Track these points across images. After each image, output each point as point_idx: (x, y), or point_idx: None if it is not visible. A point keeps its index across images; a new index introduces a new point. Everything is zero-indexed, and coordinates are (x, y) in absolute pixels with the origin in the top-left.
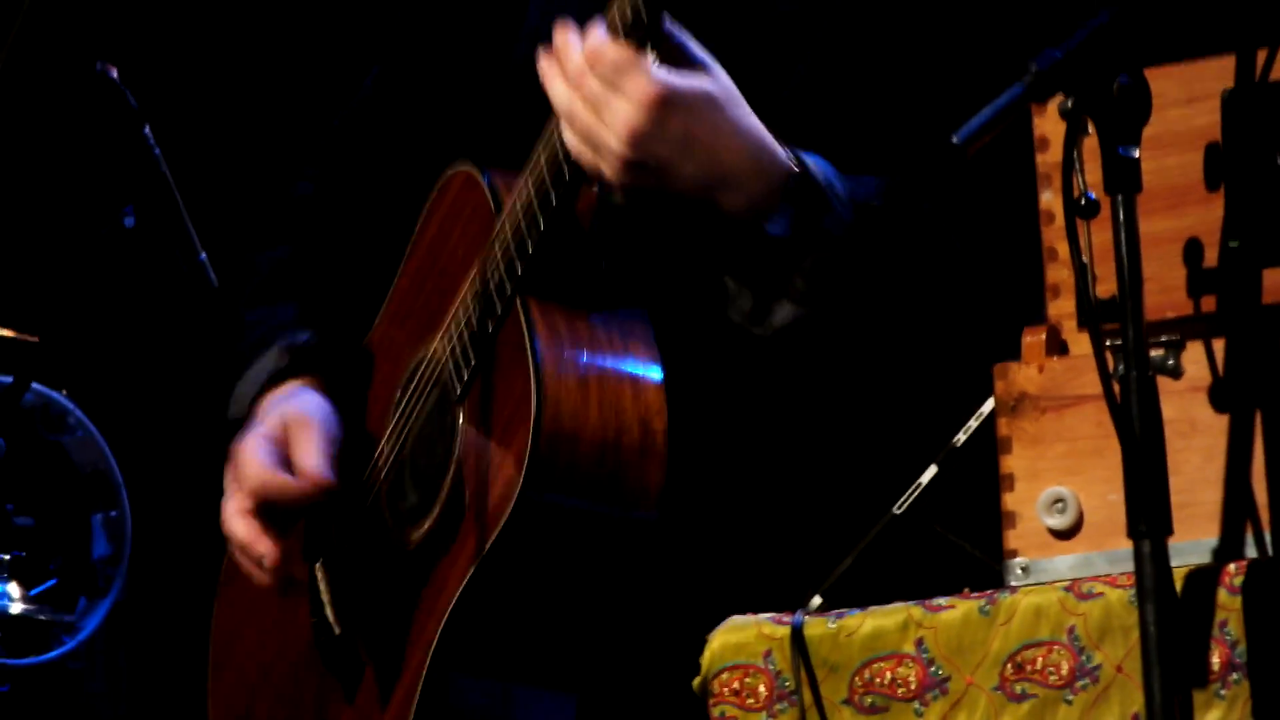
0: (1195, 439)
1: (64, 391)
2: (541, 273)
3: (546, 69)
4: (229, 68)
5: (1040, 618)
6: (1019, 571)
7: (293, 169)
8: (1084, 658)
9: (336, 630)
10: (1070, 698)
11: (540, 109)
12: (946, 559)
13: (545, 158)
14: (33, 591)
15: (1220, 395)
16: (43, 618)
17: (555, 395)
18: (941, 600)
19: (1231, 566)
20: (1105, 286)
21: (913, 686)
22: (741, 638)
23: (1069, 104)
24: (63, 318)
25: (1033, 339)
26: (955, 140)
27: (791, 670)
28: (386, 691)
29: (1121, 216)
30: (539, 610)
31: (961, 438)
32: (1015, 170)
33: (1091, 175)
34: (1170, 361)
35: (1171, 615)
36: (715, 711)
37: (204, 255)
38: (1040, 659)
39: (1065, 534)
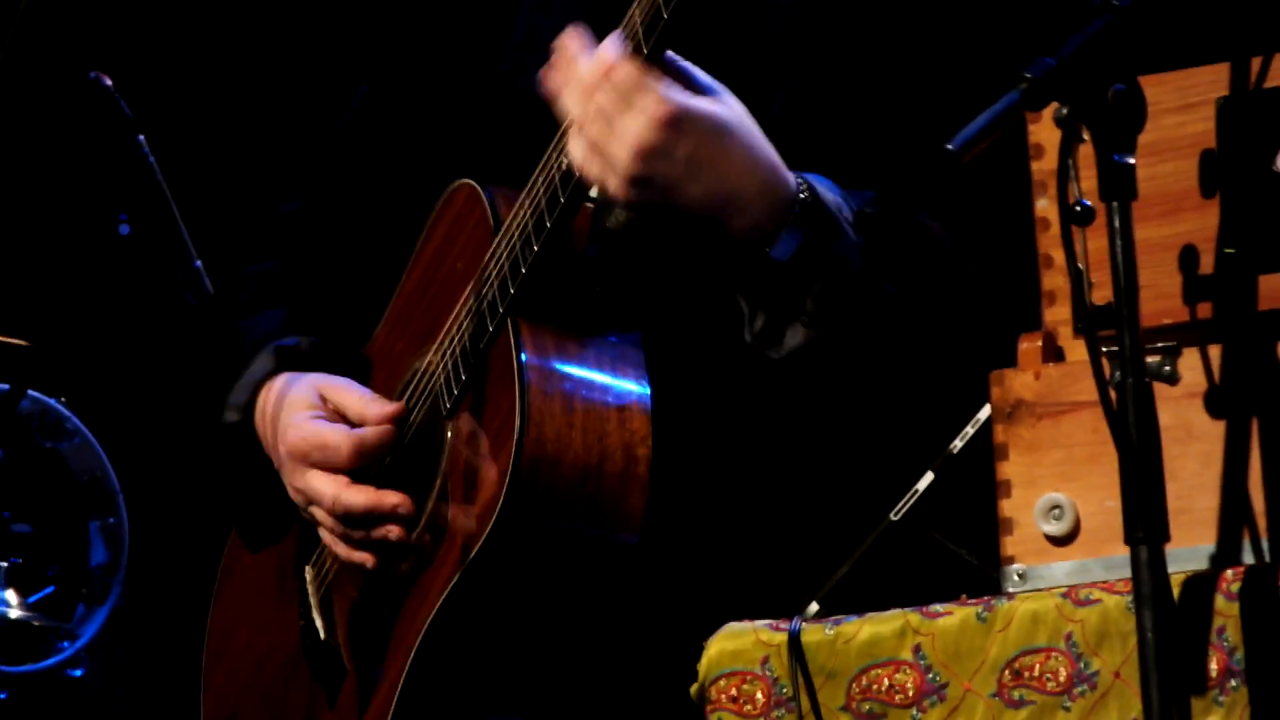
0: (1192, 445)
1: (61, 399)
2: (535, 294)
3: (560, 77)
4: (222, 75)
5: (1038, 624)
6: (1016, 578)
7: (279, 187)
8: (1082, 664)
9: (321, 635)
10: (1068, 704)
11: (527, 123)
12: (944, 565)
13: (543, 180)
14: (30, 598)
15: (1216, 401)
16: (40, 624)
17: (539, 417)
18: (939, 607)
19: (1229, 573)
20: (1101, 293)
21: (910, 693)
22: (739, 644)
23: (1064, 112)
24: (59, 325)
25: (1029, 346)
26: (950, 148)
27: (789, 677)
28: (365, 699)
29: (1117, 223)
30: (518, 627)
31: (958, 444)
32: (1011, 177)
33: (1087, 182)
34: (1166, 368)
35: (1169, 622)
36: (713, 718)
37: (199, 262)
38: (1038, 665)
39: (1062, 540)
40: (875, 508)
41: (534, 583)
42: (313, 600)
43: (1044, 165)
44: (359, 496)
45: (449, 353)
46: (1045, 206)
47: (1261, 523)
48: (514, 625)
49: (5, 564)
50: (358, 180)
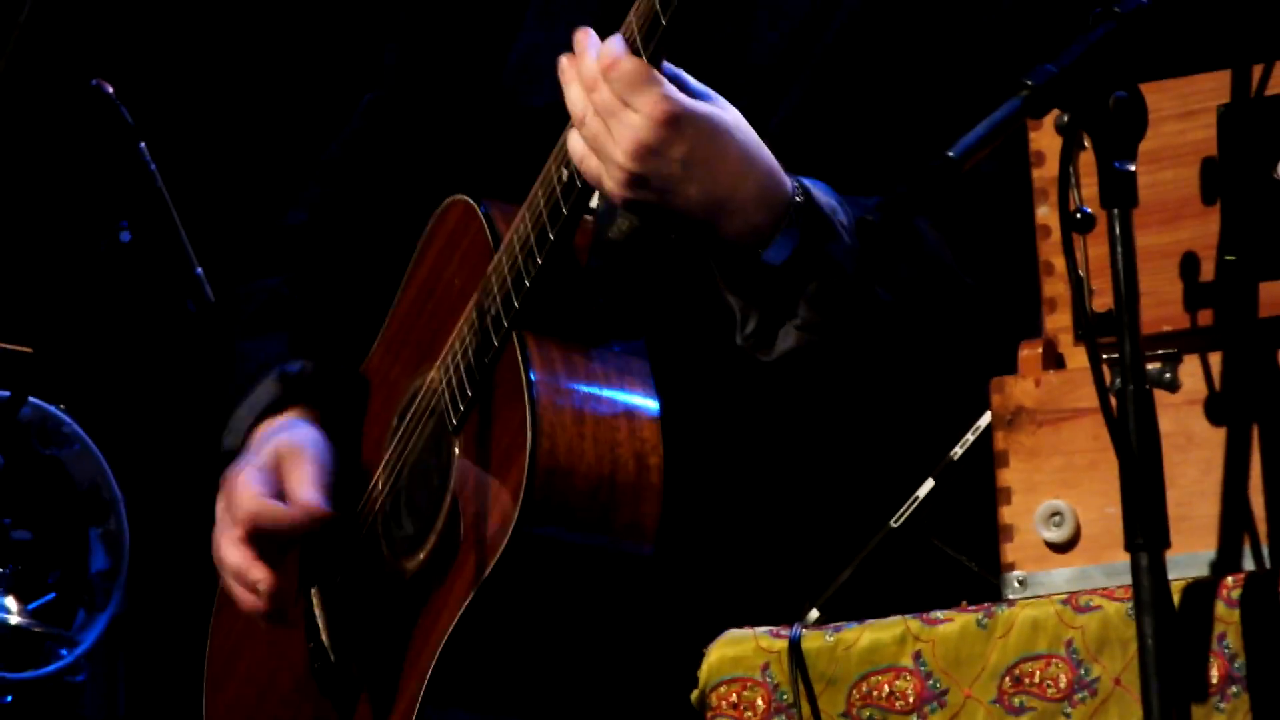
0: (1192, 452)
1: (61, 406)
2: (539, 306)
3: (565, 71)
4: (224, 82)
5: (1038, 630)
6: (1016, 584)
7: (284, 199)
8: (1082, 670)
9: (332, 657)
10: (1068, 710)
11: (527, 139)
12: (944, 572)
13: (543, 193)
14: (31, 605)
15: (1217, 408)
16: (41, 631)
17: (551, 430)
18: (939, 613)
19: (1229, 579)
20: (1102, 300)
21: (910, 699)
22: (739, 651)
23: (1065, 119)
24: (60, 332)
25: (1029, 353)
26: (952, 155)
27: (789, 683)
28: (381, 719)
29: (1118, 231)
30: (535, 642)
31: (958, 451)
32: (1012, 185)
33: (1087, 190)
34: (1167, 375)
35: (1169, 628)
36: None
37: (200, 270)
38: (1038, 672)
39: (1062, 547)
40: (876, 514)
41: (549, 596)
42: (321, 622)
43: (1045, 172)
44: (233, 557)
45: (452, 369)
46: (1046, 214)
47: (1262, 529)
48: (529, 638)
49: (5, 571)
50: (360, 195)
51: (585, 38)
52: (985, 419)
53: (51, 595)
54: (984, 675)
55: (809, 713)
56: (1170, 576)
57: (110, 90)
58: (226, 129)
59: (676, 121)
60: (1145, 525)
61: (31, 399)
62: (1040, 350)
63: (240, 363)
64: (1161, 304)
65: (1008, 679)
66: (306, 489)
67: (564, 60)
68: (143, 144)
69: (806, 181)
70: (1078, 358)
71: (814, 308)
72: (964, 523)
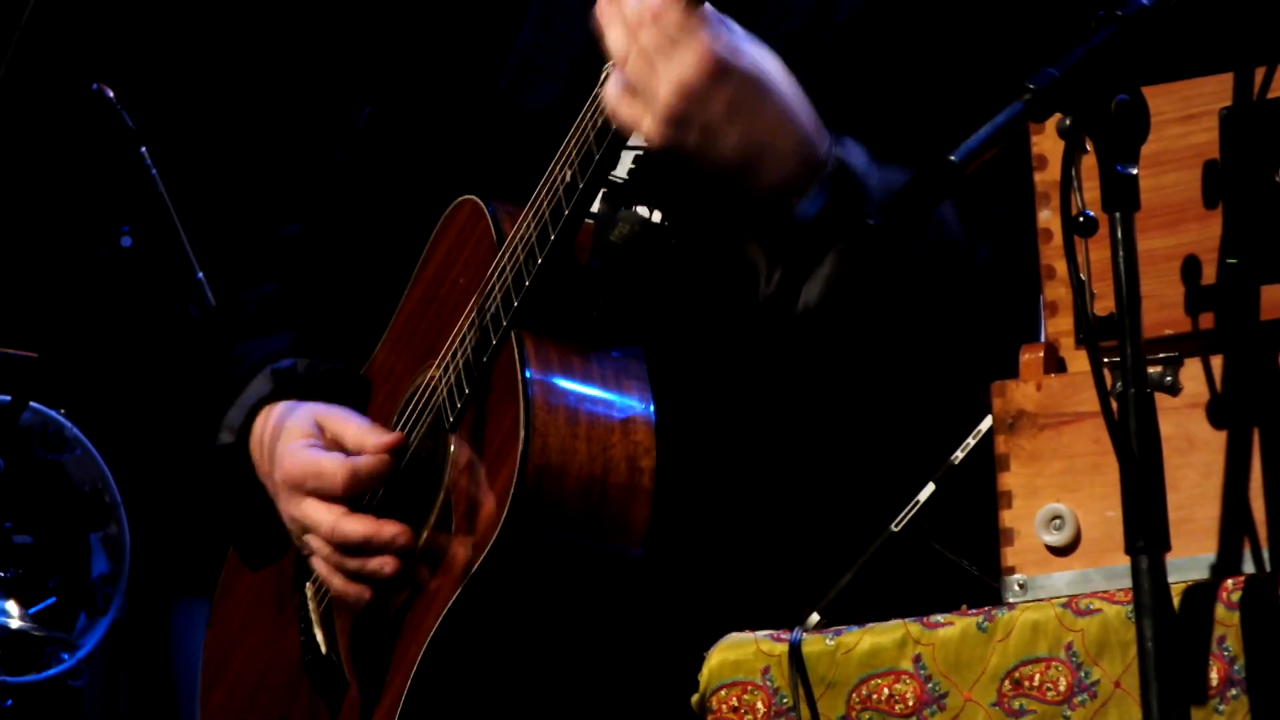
0: (1193, 455)
1: (62, 410)
2: (538, 306)
3: (606, 12)
4: (225, 87)
5: (1038, 634)
6: (1016, 588)
7: (282, 210)
8: (1082, 673)
9: (323, 650)
10: (1068, 713)
11: (528, 143)
12: (944, 576)
13: (546, 193)
14: (32, 609)
15: (1218, 412)
16: (41, 635)
17: (544, 430)
18: (939, 617)
19: (1229, 582)
20: (1103, 304)
21: (910, 703)
22: (739, 655)
23: (1067, 122)
24: (60, 337)
25: (1031, 357)
26: (954, 159)
27: (789, 687)
28: (368, 712)
29: (1119, 234)
30: (523, 639)
31: (959, 455)
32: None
33: (1090, 193)
34: (1168, 378)
35: (1169, 631)
36: None
37: (201, 274)
38: (1038, 675)
39: (1063, 550)
40: (876, 518)
41: (538, 594)
42: (313, 615)
43: (1047, 176)
44: (356, 525)
45: (451, 367)
46: (1048, 217)
47: (1262, 532)
48: (517, 636)
49: (6, 575)
50: (361, 202)
51: None
52: (986, 423)
53: (52, 599)
54: (984, 678)
55: (809, 716)
56: (1170, 579)
57: (111, 95)
58: (227, 133)
59: (724, 65)
60: (1146, 528)
61: (32, 404)
62: (1041, 354)
63: (236, 365)
64: (1163, 307)
65: (1008, 682)
66: (365, 433)
67: (603, 2)
68: (144, 149)
69: (845, 140)
70: (1079, 361)
71: (841, 262)
72: (964, 526)
